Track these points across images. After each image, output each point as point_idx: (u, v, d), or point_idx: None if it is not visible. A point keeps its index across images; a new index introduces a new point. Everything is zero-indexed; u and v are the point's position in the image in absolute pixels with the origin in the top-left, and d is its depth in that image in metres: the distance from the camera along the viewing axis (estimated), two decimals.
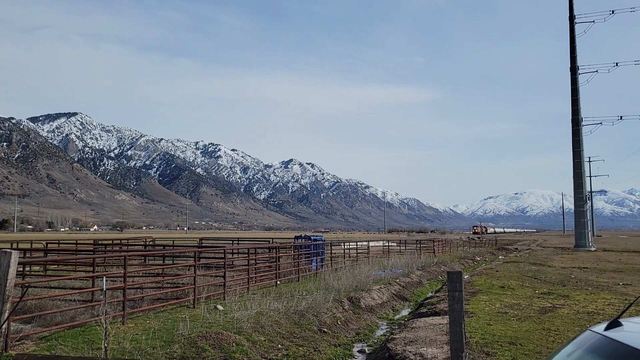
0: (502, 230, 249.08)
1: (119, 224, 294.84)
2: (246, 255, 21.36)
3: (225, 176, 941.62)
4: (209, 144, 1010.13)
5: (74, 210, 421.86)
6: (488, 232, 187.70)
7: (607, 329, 2.56)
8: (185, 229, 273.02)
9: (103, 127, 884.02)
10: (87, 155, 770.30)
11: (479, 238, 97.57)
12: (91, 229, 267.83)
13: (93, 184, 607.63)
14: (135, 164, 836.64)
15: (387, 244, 43.20)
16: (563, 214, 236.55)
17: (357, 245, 33.27)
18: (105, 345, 8.72)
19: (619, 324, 2.56)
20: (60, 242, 29.52)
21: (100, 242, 29.88)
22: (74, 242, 30.02)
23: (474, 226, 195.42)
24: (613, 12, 62.89)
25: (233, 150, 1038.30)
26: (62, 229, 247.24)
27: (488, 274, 25.04)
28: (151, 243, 29.71)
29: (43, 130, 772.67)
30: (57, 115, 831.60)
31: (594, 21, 63.38)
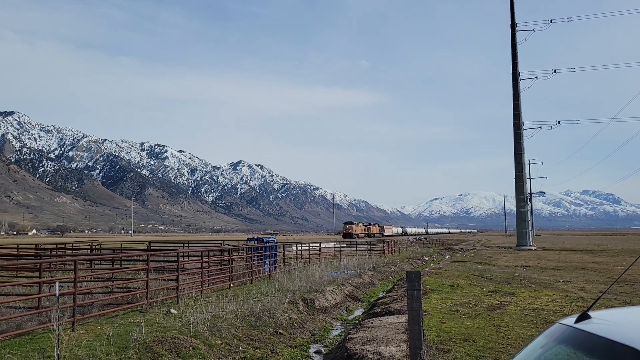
0: (423, 230, 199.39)
1: (60, 227, 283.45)
2: (198, 258, 21.12)
3: (172, 178, 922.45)
4: (155, 145, 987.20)
5: (10, 214, 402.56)
6: (388, 233, 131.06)
7: (577, 321, 2.73)
8: (131, 232, 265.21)
9: (42, 127, 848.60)
10: (25, 156, 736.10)
11: (425, 239, 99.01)
12: (29, 233, 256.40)
13: (31, 186, 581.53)
14: (77, 165, 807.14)
15: (338, 245, 43.52)
16: (505, 215, 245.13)
17: (309, 246, 33.36)
18: (58, 352, 8.43)
19: (588, 317, 2.73)
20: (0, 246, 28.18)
21: (42, 246, 28.65)
22: (15, 246, 28.72)
23: (345, 223, 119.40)
24: (552, 21, 65.83)
25: (180, 151, 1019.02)
26: None
27: (437, 273, 25.68)
28: (97, 247, 28.75)
29: None
30: None
31: (534, 29, 66.21)
